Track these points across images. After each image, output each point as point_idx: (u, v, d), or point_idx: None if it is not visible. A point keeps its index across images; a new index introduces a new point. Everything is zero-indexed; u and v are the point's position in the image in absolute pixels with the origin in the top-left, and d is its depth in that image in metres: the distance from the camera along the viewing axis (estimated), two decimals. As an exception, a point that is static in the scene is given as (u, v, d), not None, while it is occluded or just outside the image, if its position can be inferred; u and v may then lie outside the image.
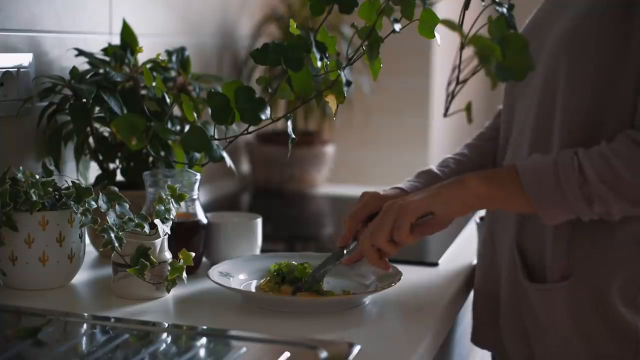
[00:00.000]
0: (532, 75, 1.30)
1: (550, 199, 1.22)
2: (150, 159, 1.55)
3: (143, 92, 1.54)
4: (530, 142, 1.30)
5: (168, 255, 1.30)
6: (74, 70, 1.50)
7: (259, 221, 1.52)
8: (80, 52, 1.55)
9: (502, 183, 1.26)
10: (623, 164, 1.18)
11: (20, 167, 1.33)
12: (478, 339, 1.46)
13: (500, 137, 1.43)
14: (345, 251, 1.35)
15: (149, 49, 1.55)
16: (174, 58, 1.61)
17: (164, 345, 1.15)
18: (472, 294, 1.55)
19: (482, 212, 1.55)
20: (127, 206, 1.32)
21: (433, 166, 1.51)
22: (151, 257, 1.27)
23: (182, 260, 1.29)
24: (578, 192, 1.20)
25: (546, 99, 1.29)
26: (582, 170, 1.20)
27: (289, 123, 1.29)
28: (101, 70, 1.51)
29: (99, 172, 1.57)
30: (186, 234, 1.42)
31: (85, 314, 1.23)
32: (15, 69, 1.46)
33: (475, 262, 1.55)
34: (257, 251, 1.51)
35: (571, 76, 1.25)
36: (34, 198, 1.28)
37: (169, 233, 1.31)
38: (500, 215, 1.39)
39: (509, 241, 1.35)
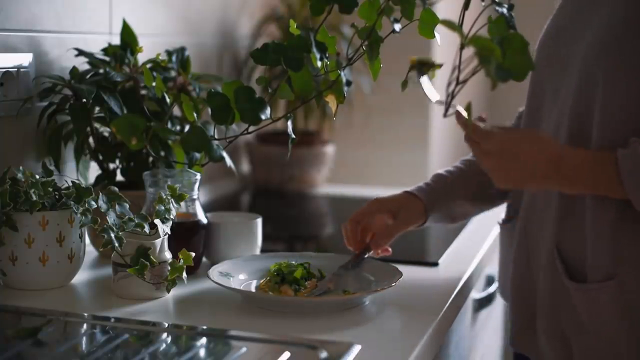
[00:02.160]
0: (563, 78, 1.31)
1: None
2: (150, 159, 1.55)
3: (143, 92, 1.54)
4: (567, 142, 1.30)
5: (168, 255, 1.30)
6: (74, 70, 1.50)
7: (259, 221, 1.52)
8: (80, 52, 1.55)
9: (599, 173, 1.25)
10: None
11: (20, 167, 1.33)
12: (517, 344, 1.43)
13: None
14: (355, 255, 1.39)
15: (149, 49, 1.55)
16: (174, 58, 1.61)
17: (164, 345, 1.15)
18: (470, 295, 1.55)
19: (502, 214, 1.54)
20: (127, 206, 1.32)
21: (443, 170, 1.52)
22: (151, 257, 1.27)
23: (182, 260, 1.29)
24: None
25: (581, 103, 1.28)
26: None
27: (289, 123, 1.29)
28: (101, 70, 1.51)
29: (99, 172, 1.57)
30: (186, 234, 1.42)
31: (85, 314, 1.23)
32: (15, 69, 1.46)
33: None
34: (257, 251, 1.51)
35: (609, 81, 1.25)
36: (34, 198, 1.28)
37: (169, 233, 1.31)
38: (536, 217, 1.37)
39: (547, 243, 1.33)
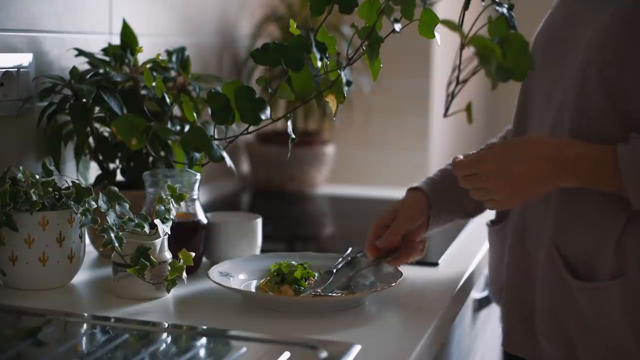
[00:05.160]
0: (560, 79, 1.31)
1: None
2: (150, 159, 1.55)
3: (143, 92, 1.54)
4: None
5: (168, 255, 1.30)
6: (74, 70, 1.50)
7: (259, 221, 1.52)
8: (80, 52, 1.55)
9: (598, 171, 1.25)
10: None
11: (20, 167, 1.33)
12: (512, 347, 1.41)
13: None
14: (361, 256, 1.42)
15: (149, 49, 1.55)
16: (174, 58, 1.61)
17: (164, 345, 1.15)
18: (470, 295, 1.55)
19: (492, 216, 1.53)
20: (127, 206, 1.32)
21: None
22: (151, 257, 1.27)
23: (182, 260, 1.29)
24: None
25: (583, 100, 1.28)
26: None
27: (289, 123, 1.29)
28: (101, 70, 1.51)
29: (99, 172, 1.57)
30: (186, 234, 1.42)
31: (85, 314, 1.23)
32: (15, 69, 1.46)
33: (486, 270, 1.54)
34: (257, 251, 1.51)
35: (611, 78, 1.26)
36: (34, 198, 1.28)
37: (169, 233, 1.31)
38: (532, 217, 1.36)
39: (546, 242, 1.32)
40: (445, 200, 1.46)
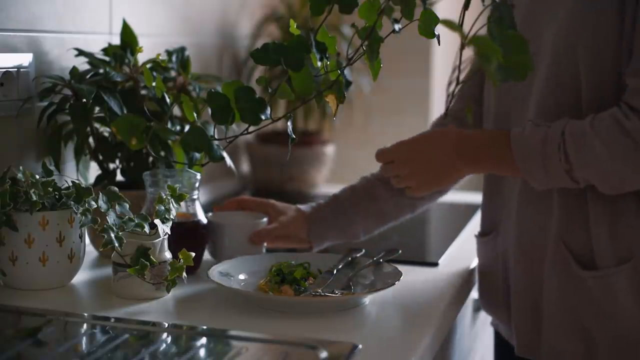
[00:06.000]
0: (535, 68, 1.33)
1: (540, 181, 1.29)
2: (150, 159, 1.55)
3: (143, 92, 1.54)
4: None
5: (168, 255, 1.30)
6: (74, 70, 1.50)
7: (265, 221, 1.52)
8: (80, 52, 1.55)
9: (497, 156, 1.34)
10: (603, 145, 1.23)
11: (20, 167, 1.33)
12: (525, 350, 1.41)
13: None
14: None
15: (149, 49, 1.55)
16: (174, 58, 1.61)
17: (164, 345, 1.15)
18: (470, 295, 1.55)
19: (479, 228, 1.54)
20: (127, 206, 1.32)
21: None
22: (151, 257, 1.27)
23: (182, 260, 1.29)
24: (566, 177, 1.27)
25: (554, 84, 1.32)
26: (567, 158, 1.25)
27: (289, 123, 1.29)
28: (101, 70, 1.51)
29: (99, 172, 1.57)
30: (186, 234, 1.42)
31: (85, 314, 1.23)
32: (15, 69, 1.46)
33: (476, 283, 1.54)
34: (263, 251, 1.51)
35: (582, 57, 1.29)
36: (34, 198, 1.28)
37: (169, 233, 1.31)
38: (532, 220, 1.37)
39: (551, 242, 1.34)
40: (324, 218, 1.53)
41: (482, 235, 1.51)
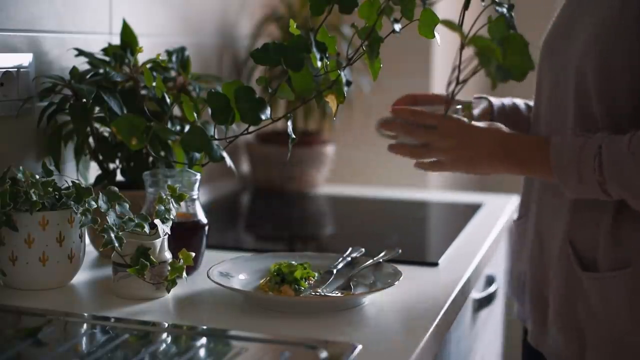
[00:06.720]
0: (562, 73, 1.33)
1: (574, 189, 1.29)
2: (150, 159, 1.55)
3: (143, 92, 1.54)
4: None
5: (168, 255, 1.31)
6: (74, 70, 1.50)
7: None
8: (80, 52, 1.55)
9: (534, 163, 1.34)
10: (636, 164, 1.22)
11: (20, 167, 1.33)
12: (534, 340, 1.44)
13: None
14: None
15: (149, 49, 1.55)
16: (174, 58, 1.61)
17: (164, 345, 1.15)
18: (470, 295, 1.55)
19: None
20: (127, 206, 1.32)
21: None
22: (151, 257, 1.27)
23: (182, 260, 1.29)
24: (599, 189, 1.26)
25: (581, 95, 1.31)
26: (601, 172, 1.25)
27: (289, 123, 1.29)
28: (101, 70, 1.51)
29: (99, 172, 1.57)
30: (186, 234, 1.42)
31: (85, 314, 1.23)
32: (15, 69, 1.46)
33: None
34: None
35: (604, 75, 1.28)
36: (34, 198, 1.28)
37: (169, 233, 1.31)
38: (547, 212, 1.39)
39: (559, 236, 1.36)
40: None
41: (517, 219, 1.53)
